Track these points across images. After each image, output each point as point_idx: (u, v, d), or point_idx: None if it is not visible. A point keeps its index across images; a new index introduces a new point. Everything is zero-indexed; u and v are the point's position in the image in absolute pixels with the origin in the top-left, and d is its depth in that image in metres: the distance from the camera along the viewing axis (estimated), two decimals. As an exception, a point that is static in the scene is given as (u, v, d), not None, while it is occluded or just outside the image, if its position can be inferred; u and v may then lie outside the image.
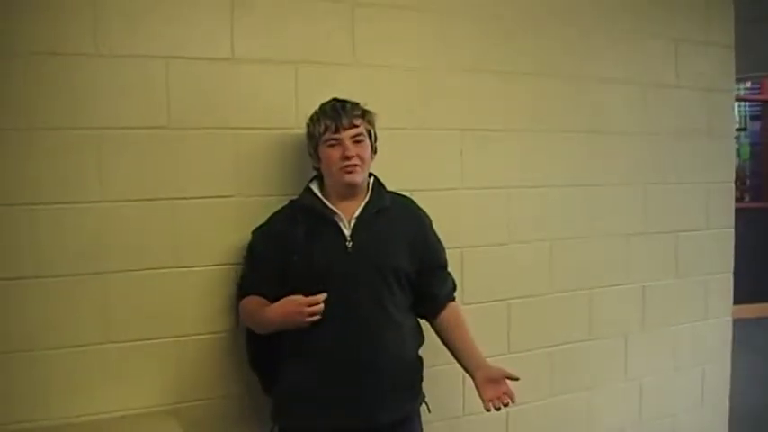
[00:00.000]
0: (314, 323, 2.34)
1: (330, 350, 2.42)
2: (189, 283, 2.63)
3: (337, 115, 2.48)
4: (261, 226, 2.58)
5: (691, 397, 3.88)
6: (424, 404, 2.65)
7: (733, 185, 4.01)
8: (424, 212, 2.69)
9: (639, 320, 3.66)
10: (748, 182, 9.93)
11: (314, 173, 2.62)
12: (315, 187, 2.57)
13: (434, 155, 3.06)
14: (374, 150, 2.59)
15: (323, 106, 2.54)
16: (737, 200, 8.92)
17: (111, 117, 2.48)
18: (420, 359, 2.62)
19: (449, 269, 2.72)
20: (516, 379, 2.50)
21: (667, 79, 3.70)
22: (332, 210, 2.50)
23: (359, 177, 2.49)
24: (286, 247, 2.48)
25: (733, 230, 3.97)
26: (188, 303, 2.63)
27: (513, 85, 3.24)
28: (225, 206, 2.67)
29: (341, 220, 2.49)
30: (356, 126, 2.50)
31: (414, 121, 3.00)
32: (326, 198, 2.53)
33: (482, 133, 3.15)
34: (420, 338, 2.63)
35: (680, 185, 3.75)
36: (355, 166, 2.47)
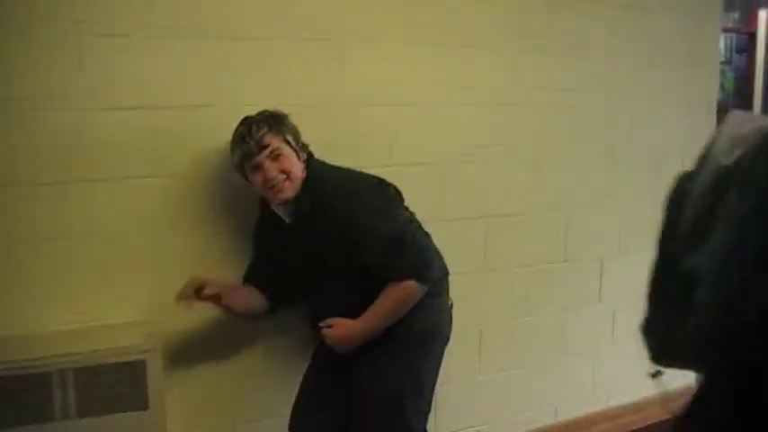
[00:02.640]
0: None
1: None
2: (167, 192, 2.61)
3: (244, 143, 2.43)
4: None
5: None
6: None
7: (715, 116, 3.99)
8: (345, 207, 2.49)
9: (616, 244, 3.68)
10: (732, 113, 9.96)
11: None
12: None
13: (418, 68, 3.02)
14: (301, 149, 2.51)
15: (234, 131, 2.48)
16: (719, 132, 8.98)
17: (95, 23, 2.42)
18: None
19: (411, 247, 2.51)
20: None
21: (653, 3, 3.65)
22: (279, 215, 2.57)
23: (288, 193, 2.46)
24: (265, 237, 2.67)
25: (713, 158, 3.96)
26: (163, 213, 2.61)
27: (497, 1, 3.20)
28: (200, 114, 2.63)
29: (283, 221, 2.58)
30: (266, 146, 2.43)
31: (397, 36, 2.95)
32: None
33: (461, 50, 3.10)
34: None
35: (664, 111, 3.74)
36: (281, 183, 2.44)
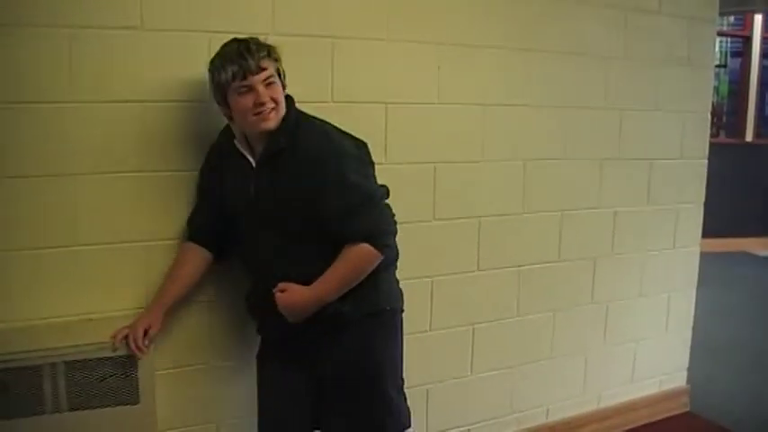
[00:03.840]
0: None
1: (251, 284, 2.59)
2: (160, 187, 2.60)
3: (243, 60, 2.30)
4: (210, 148, 2.59)
5: (654, 323, 3.95)
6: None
7: (709, 116, 4.01)
8: (328, 151, 2.40)
9: (609, 245, 3.69)
10: (725, 119, 9.98)
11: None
12: (234, 126, 2.46)
13: (411, 69, 3.02)
14: (284, 87, 2.42)
15: (224, 49, 2.36)
16: (713, 135, 9.02)
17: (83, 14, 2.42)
18: None
19: (380, 211, 2.47)
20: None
21: (650, 5, 3.65)
22: (242, 153, 2.45)
23: (274, 122, 2.36)
24: (215, 177, 2.55)
25: (706, 161, 3.98)
26: (157, 208, 2.60)
27: (491, 1, 3.19)
28: (191, 110, 2.62)
29: (249, 163, 2.44)
30: (265, 69, 2.32)
31: (390, 34, 2.95)
32: (239, 139, 2.45)
33: (459, 48, 3.10)
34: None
35: (656, 113, 3.75)
36: (270, 111, 2.34)
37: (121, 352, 2.36)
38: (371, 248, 2.37)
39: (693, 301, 4.08)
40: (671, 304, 3.98)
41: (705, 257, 4.17)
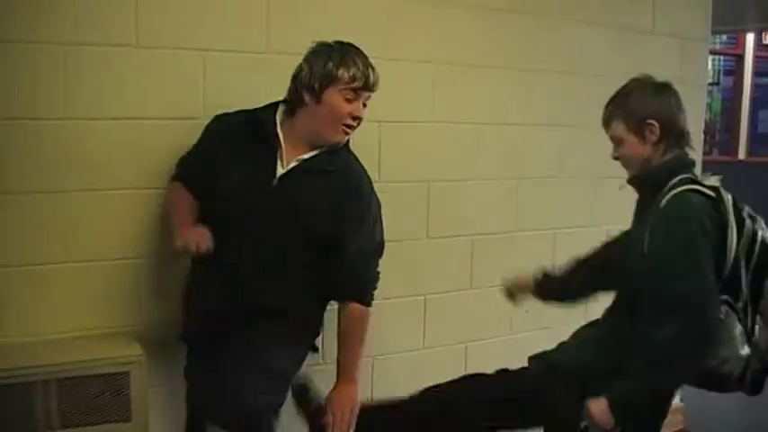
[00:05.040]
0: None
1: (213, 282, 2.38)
2: (150, 205, 2.60)
3: (370, 71, 2.31)
4: (225, 114, 2.45)
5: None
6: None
7: (702, 135, 4.03)
8: (372, 195, 2.46)
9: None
10: (718, 136, 10.03)
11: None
12: (280, 113, 2.40)
13: (406, 87, 3.03)
14: None
15: (347, 48, 2.33)
16: (706, 153, 9.06)
17: (78, 31, 2.42)
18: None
19: (377, 264, 2.49)
20: None
21: (643, 24, 3.68)
22: (279, 141, 2.35)
23: (345, 140, 2.39)
24: (225, 150, 2.37)
25: (699, 179, 4.00)
26: (149, 225, 2.60)
27: (487, 20, 3.21)
28: (189, 128, 2.62)
29: (281, 156, 2.34)
30: (373, 91, 2.36)
31: (386, 52, 2.96)
32: (287, 134, 2.37)
33: (455, 68, 3.12)
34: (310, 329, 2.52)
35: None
36: (353, 128, 2.36)
37: (114, 369, 2.34)
38: (365, 309, 2.42)
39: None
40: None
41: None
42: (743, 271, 2.12)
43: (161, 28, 2.53)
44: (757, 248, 2.13)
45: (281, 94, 2.52)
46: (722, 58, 9.98)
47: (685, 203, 2.17)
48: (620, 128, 2.33)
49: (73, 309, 2.52)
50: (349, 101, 2.29)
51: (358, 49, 2.34)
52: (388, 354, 3.08)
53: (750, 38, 9.42)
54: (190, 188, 2.45)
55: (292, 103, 2.37)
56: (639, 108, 2.30)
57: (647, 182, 2.30)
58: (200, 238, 2.23)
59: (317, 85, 2.28)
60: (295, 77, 2.34)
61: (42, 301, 2.47)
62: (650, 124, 2.27)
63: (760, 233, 2.15)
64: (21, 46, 2.34)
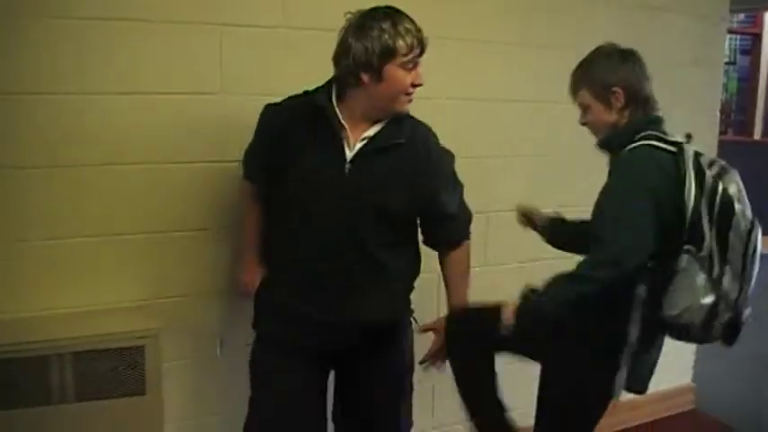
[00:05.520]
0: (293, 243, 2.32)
1: (303, 275, 2.34)
2: (166, 179, 2.61)
3: (422, 36, 2.19)
4: (275, 103, 2.37)
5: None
6: (412, 319, 2.60)
7: (718, 114, 4.00)
8: (442, 151, 2.44)
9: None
10: (733, 116, 9.96)
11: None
12: (334, 93, 2.28)
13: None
14: None
15: (398, 18, 2.18)
16: (721, 133, 8.99)
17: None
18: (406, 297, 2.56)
19: (463, 206, 2.54)
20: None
21: (659, 2, 3.64)
22: (342, 124, 2.25)
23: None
24: (286, 140, 2.29)
25: (715, 159, 3.97)
26: (164, 200, 2.62)
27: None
28: (206, 103, 2.63)
29: (347, 138, 2.25)
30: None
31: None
32: (350, 114, 2.27)
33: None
34: (413, 273, 2.55)
35: (665, 111, 3.72)
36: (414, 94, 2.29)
37: (129, 343, 2.36)
38: (468, 242, 2.57)
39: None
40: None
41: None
42: (705, 222, 2.16)
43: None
44: (718, 200, 2.16)
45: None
46: (739, 37, 9.87)
47: (636, 157, 2.27)
48: (586, 95, 2.40)
49: (88, 283, 2.55)
50: (409, 70, 2.20)
51: (400, 11, 2.21)
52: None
53: (768, 17, 9.33)
54: (258, 186, 2.47)
55: (345, 83, 2.25)
56: (604, 76, 2.36)
57: (612, 142, 2.37)
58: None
59: (376, 63, 2.16)
60: (346, 57, 2.19)
61: (57, 275, 2.50)
62: (615, 92, 2.34)
63: (720, 186, 2.17)
64: (38, 20, 2.35)
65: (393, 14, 2.18)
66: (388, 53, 2.15)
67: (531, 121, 3.35)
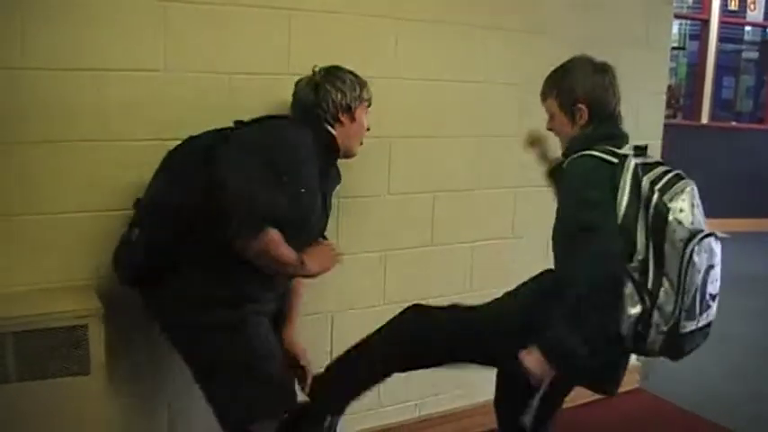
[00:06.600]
0: None
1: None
2: (112, 158, 2.58)
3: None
4: (301, 139, 2.43)
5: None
6: None
7: (664, 97, 4.06)
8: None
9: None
10: (682, 101, 10.11)
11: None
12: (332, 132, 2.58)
13: (369, 42, 3.03)
14: None
15: (349, 75, 2.60)
16: (671, 117, 9.14)
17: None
18: None
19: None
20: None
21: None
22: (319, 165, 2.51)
23: None
24: (305, 177, 2.41)
25: (660, 142, 4.04)
26: (110, 178, 2.59)
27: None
28: (151, 80, 2.60)
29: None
30: None
31: (348, 7, 2.95)
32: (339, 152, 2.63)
33: (417, 24, 3.11)
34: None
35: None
36: None
37: (72, 322, 2.33)
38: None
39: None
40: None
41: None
42: (639, 232, 2.19)
43: None
44: (651, 210, 2.19)
45: (243, 53, 2.55)
46: (689, 22, 10.02)
47: (574, 165, 2.32)
48: (553, 105, 2.46)
49: (32, 262, 2.51)
50: (366, 113, 2.64)
51: (345, 70, 2.62)
52: (348, 310, 3.12)
53: (716, 3, 9.46)
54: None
55: (320, 127, 2.53)
56: (573, 89, 2.41)
57: (567, 152, 2.42)
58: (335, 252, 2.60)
59: (352, 105, 2.57)
60: (325, 100, 2.54)
61: (2, 253, 2.45)
62: (580, 108, 2.39)
63: (656, 196, 2.20)
64: None
65: (345, 72, 2.60)
66: (360, 98, 2.60)
67: (476, 103, 3.37)
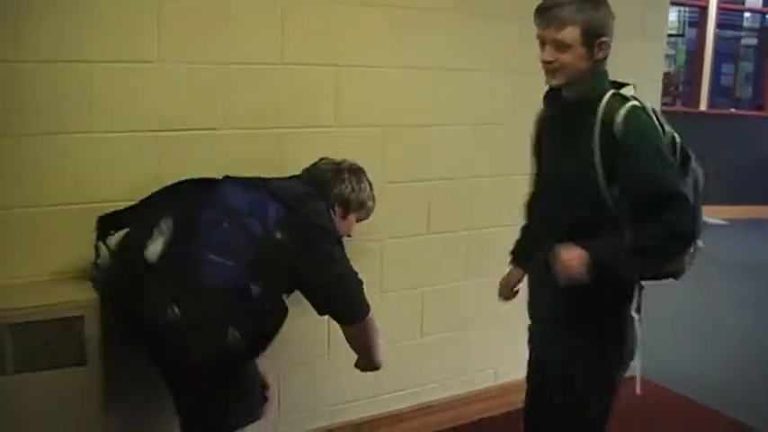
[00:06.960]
0: None
1: None
2: (107, 150, 2.59)
3: None
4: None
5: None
6: None
7: (661, 84, 4.05)
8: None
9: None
10: (681, 88, 10.09)
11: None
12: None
13: (362, 31, 3.02)
14: None
15: (371, 191, 2.73)
16: (670, 104, 9.11)
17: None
18: None
19: None
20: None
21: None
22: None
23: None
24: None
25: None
26: (105, 169, 2.59)
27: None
28: (144, 71, 2.60)
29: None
30: None
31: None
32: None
33: (410, 12, 3.10)
34: None
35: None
36: None
37: (68, 313, 2.34)
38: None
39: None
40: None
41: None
42: None
43: None
44: (678, 149, 2.26)
45: (234, 42, 2.59)
46: (687, 9, 9.99)
47: (636, 119, 2.20)
48: (574, 34, 2.19)
49: (27, 254, 2.52)
50: (359, 222, 2.72)
51: None
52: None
53: (714, -11, 9.44)
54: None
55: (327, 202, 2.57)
56: (600, 23, 2.22)
57: (585, 88, 2.27)
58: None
59: (352, 208, 2.65)
60: (337, 186, 2.60)
61: (4, 246, 2.46)
62: (603, 42, 2.23)
63: (678, 140, 2.28)
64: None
65: (370, 182, 2.72)
66: (363, 209, 2.70)
67: (471, 91, 3.37)
